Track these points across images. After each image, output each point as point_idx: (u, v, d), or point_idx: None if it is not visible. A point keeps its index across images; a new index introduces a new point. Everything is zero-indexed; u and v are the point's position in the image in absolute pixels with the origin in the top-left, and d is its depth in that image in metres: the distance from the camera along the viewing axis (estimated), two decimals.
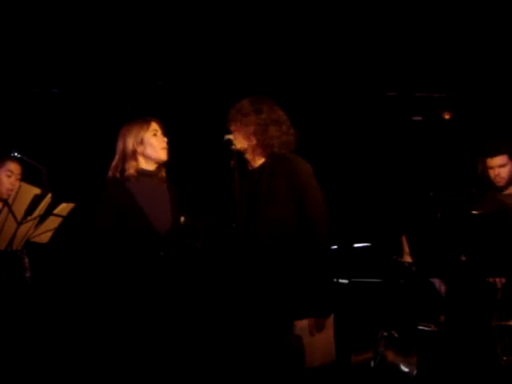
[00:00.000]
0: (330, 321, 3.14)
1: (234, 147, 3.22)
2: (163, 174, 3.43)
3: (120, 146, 3.37)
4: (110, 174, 3.37)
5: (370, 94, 5.79)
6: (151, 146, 3.35)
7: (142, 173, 3.35)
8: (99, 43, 5.14)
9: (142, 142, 3.34)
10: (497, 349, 3.73)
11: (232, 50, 5.31)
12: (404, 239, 4.83)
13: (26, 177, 4.15)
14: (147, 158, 3.36)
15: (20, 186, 3.69)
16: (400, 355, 4.12)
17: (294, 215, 3.12)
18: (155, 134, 3.37)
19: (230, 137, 3.23)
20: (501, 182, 4.18)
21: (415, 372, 4.03)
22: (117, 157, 3.38)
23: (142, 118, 3.42)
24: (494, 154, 4.19)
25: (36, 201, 3.72)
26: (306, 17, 4.98)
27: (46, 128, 5.46)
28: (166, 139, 3.39)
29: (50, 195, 3.78)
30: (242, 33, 5.13)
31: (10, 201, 3.67)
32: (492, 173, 4.19)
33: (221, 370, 3.21)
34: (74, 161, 5.39)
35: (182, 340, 3.24)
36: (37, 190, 3.72)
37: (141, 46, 5.23)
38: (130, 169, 3.33)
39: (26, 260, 4.02)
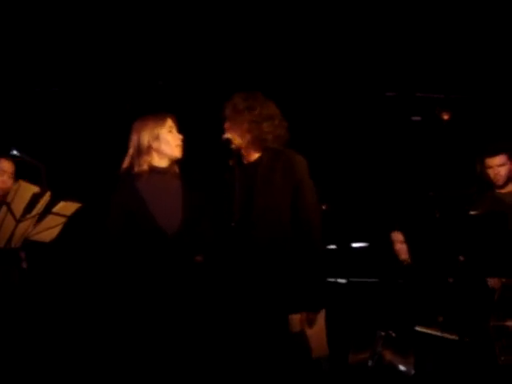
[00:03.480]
0: (322, 315, 3.19)
1: (233, 146, 3.24)
2: (176, 169, 3.39)
3: (134, 140, 3.33)
4: (124, 167, 3.34)
5: (369, 94, 5.79)
6: (166, 143, 3.31)
7: (154, 170, 3.32)
8: (100, 42, 5.14)
9: (157, 138, 3.30)
10: (495, 349, 3.73)
11: (232, 51, 5.31)
12: (394, 236, 4.85)
13: (25, 175, 4.15)
14: (161, 154, 3.33)
15: (19, 185, 3.69)
16: (398, 355, 4.13)
17: (289, 207, 3.19)
18: (171, 131, 3.34)
19: (229, 135, 3.25)
20: (500, 180, 4.29)
21: (413, 372, 4.04)
22: (130, 151, 3.34)
23: (157, 113, 3.38)
24: (493, 154, 4.28)
25: (35, 199, 3.72)
26: (306, 17, 4.98)
27: (45, 126, 5.46)
28: (181, 136, 3.36)
29: (48, 193, 3.78)
30: (243, 33, 5.13)
31: (8, 199, 3.68)
32: (491, 172, 4.28)
33: (223, 369, 3.21)
34: (73, 159, 5.39)
35: (186, 341, 3.22)
36: (36, 189, 3.72)
37: (141, 45, 5.23)
38: (144, 164, 3.30)
39: (23, 252, 4.02)
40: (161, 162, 3.35)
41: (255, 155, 3.29)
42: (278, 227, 3.18)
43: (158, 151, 3.33)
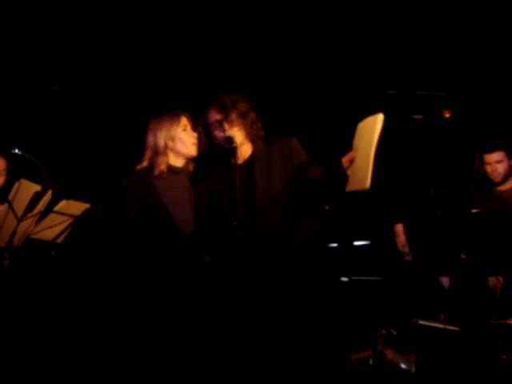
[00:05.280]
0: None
1: (234, 145, 3.24)
2: (190, 168, 3.41)
3: (150, 141, 3.34)
4: (144, 166, 3.35)
5: (371, 91, 5.79)
6: (181, 142, 3.33)
7: (171, 169, 3.34)
8: (100, 40, 5.14)
9: (172, 138, 3.32)
10: (496, 347, 3.73)
11: (233, 48, 5.31)
12: (398, 228, 4.85)
13: (27, 174, 4.15)
14: (177, 153, 3.35)
15: (20, 183, 3.70)
16: (399, 353, 4.13)
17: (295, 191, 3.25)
18: (185, 129, 3.35)
19: (231, 134, 3.25)
20: (498, 177, 4.27)
21: (414, 370, 4.04)
22: (148, 152, 3.35)
23: (171, 112, 3.39)
24: (491, 150, 4.27)
25: (36, 198, 3.73)
26: (307, 15, 4.98)
27: (46, 125, 5.47)
28: (195, 134, 3.37)
29: (50, 192, 3.79)
30: (243, 30, 5.13)
31: (10, 198, 3.68)
32: (489, 168, 4.28)
33: (228, 366, 3.21)
34: (74, 158, 5.40)
35: (194, 340, 3.22)
36: (37, 187, 3.73)
37: (142, 43, 5.23)
38: (162, 164, 3.31)
39: (6, 251, 4.00)
40: (177, 162, 3.37)
41: (249, 151, 3.35)
42: (284, 215, 3.22)
43: (174, 151, 3.35)
